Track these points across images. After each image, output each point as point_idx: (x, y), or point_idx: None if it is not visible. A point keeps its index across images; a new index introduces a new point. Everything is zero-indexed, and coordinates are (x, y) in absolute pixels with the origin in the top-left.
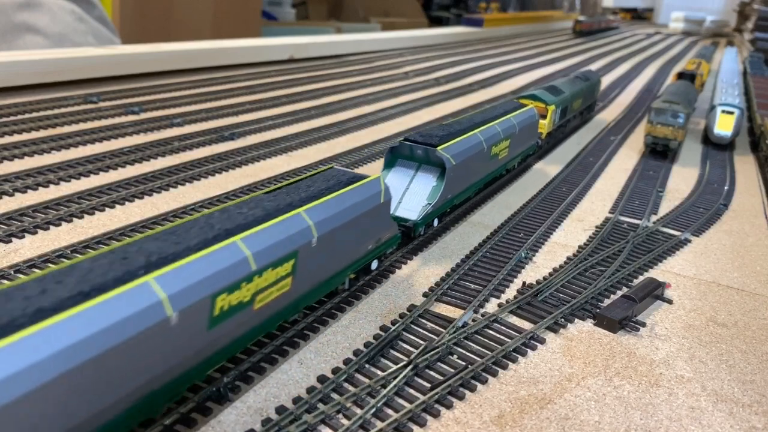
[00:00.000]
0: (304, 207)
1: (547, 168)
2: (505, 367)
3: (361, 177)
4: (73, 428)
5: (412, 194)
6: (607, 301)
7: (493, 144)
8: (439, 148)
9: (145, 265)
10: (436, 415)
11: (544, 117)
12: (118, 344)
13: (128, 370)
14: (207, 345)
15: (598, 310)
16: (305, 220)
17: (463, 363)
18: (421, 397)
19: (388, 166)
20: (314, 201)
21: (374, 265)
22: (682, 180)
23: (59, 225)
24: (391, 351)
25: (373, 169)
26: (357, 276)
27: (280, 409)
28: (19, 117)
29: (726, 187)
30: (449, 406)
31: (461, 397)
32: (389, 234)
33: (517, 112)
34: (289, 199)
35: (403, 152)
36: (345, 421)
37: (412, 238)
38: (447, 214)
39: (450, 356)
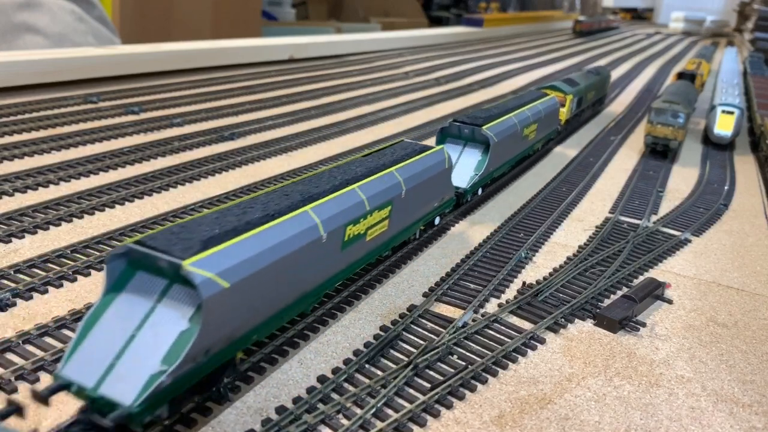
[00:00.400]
0: (395, 167)
1: (546, 170)
2: (505, 367)
3: (430, 147)
4: (267, 306)
5: (460, 167)
6: (607, 301)
7: (524, 126)
8: (483, 127)
9: (301, 200)
10: (436, 415)
11: (563, 105)
12: (296, 250)
13: (299, 272)
14: (338, 263)
15: (598, 310)
16: (396, 177)
17: (463, 363)
18: (421, 397)
19: (439, 143)
20: (400, 163)
21: (437, 220)
22: (682, 180)
23: (59, 225)
24: (391, 351)
25: None
26: (425, 228)
27: (280, 409)
28: (19, 117)
29: (726, 187)
30: (449, 406)
31: (461, 397)
32: (449, 196)
33: (542, 100)
34: (381, 162)
35: (451, 132)
36: (345, 421)
37: (461, 204)
38: (489, 184)
39: (450, 356)
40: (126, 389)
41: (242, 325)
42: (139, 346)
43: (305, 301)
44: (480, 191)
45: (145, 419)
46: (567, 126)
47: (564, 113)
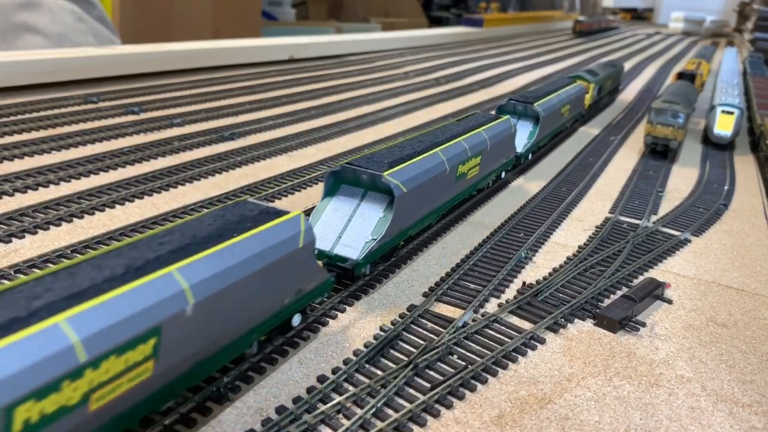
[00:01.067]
0: (481, 128)
1: (548, 170)
2: (505, 367)
3: (497, 117)
4: (418, 212)
5: (517, 136)
6: (607, 301)
7: (561, 106)
8: (535, 104)
9: (430, 145)
10: (436, 415)
11: (587, 92)
12: (434, 176)
13: (433, 192)
14: (452, 190)
15: (598, 310)
16: (484, 135)
17: (463, 363)
18: (421, 397)
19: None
20: (484, 126)
21: (503, 174)
22: (682, 180)
23: (59, 225)
24: (391, 351)
25: None
26: (495, 180)
27: (280, 409)
28: (19, 117)
29: (726, 187)
30: (449, 406)
31: (461, 397)
32: (512, 155)
33: (572, 85)
34: (471, 125)
35: (507, 108)
36: (345, 421)
37: (517, 165)
38: (536, 151)
39: (450, 356)
40: (352, 250)
41: (407, 221)
42: (354, 226)
43: (433, 214)
44: (530, 156)
45: (362, 269)
46: (589, 110)
47: (588, 99)
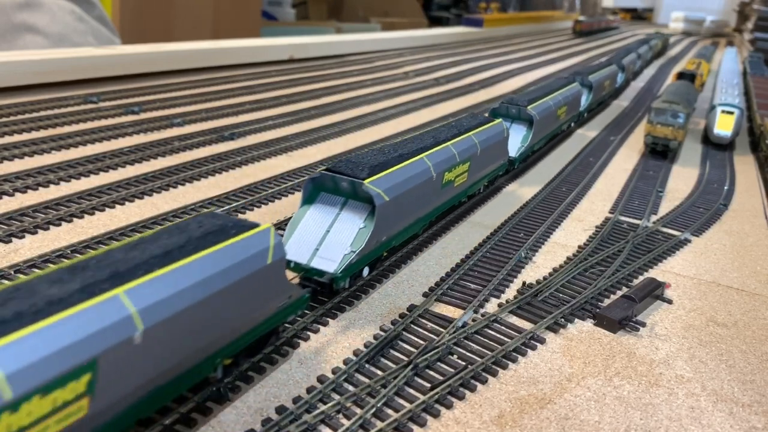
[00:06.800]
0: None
1: (548, 171)
2: (505, 367)
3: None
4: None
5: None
6: (607, 301)
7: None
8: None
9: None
10: (436, 415)
11: (657, 46)
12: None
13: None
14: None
15: (598, 310)
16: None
17: (463, 363)
18: (421, 397)
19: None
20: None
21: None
22: (682, 180)
23: (59, 225)
24: (391, 351)
25: None
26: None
27: (280, 409)
28: (19, 117)
29: (726, 187)
30: (449, 406)
31: (461, 397)
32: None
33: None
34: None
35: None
36: (345, 421)
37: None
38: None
39: (450, 356)
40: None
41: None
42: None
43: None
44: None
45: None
46: (662, 50)
47: (658, 47)
